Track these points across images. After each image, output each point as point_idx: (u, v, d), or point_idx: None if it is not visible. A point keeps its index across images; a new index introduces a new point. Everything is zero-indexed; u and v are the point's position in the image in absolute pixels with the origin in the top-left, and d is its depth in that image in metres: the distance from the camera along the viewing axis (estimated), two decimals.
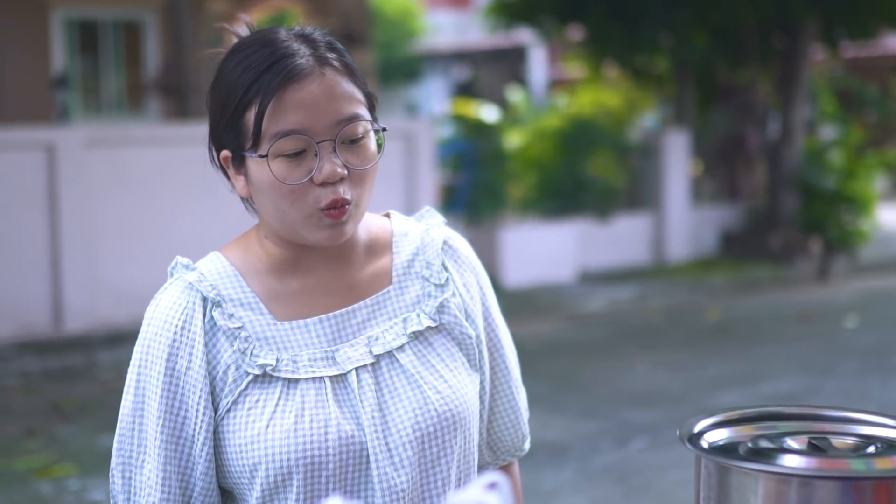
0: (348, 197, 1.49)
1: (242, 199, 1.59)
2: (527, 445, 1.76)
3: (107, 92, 13.95)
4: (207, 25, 14.05)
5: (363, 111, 1.52)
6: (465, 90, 21.73)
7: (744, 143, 13.83)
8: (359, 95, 1.52)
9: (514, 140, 12.90)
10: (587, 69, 14.39)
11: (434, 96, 26.31)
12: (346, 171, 1.49)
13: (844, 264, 12.43)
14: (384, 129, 1.57)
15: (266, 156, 1.47)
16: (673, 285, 11.24)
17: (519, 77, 24.31)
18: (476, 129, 12.15)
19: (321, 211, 1.49)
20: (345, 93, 1.50)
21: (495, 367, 1.69)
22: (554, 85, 23.12)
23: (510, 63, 25.31)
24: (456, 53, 26.86)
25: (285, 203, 1.49)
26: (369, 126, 1.52)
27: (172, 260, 1.60)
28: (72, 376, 7.71)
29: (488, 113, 12.97)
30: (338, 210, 1.49)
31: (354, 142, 1.50)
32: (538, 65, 24.41)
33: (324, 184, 1.48)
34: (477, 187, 11.50)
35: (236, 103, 1.49)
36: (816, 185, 12.86)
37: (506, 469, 1.75)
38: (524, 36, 18.37)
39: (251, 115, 1.48)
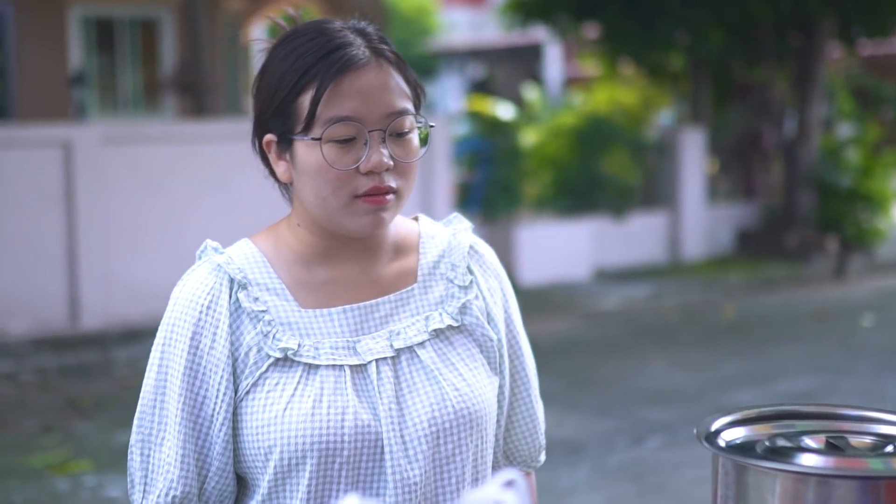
0: (392, 185, 1.52)
1: (280, 184, 1.61)
2: (542, 457, 1.76)
3: (123, 89, 14.00)
4: (223, 23, 14.10)
5: (411, 106, 1.55)
6: (481, 88, 21.70)
7: (760, 141, 13.78)
8: (407, 90, 1.56)
9: (529, 138, 12.87)
10: (603, 67, 14.35)
11: (449, 94, 26.30)
12: (391, 163, 1.52)
13: (861, 263, 12.38)
14: (431, 126, 1.60)
15: (319, 139, 1.50)
16: (688, 284, 11.22)
17: (534, 75, 24.29)
18: (491, 127, 12.14)
19: (358, 198, 1.52)
20: (397, 86, 1.54)
21: (515, 374, 1.70)
22: (569, 83, 23.08)
23: (526, 61, 25.28)
24: (471, 51, 26.85)
25: (328, 189, 1.52)
26: (416, 121, 1.55)
27: (188, 257, 1.62)
28: (88, 373, 7.73)
29: (504, 111, 12.96)
30: (378, 197, 1.52)
31: (401, 135, 1.54)
32: (553, 62, 24.37)
33: (369, 173, 1.51)
34: (492, 185, 11.48)
35: (290, 88, 1.52)
36: (833, 184, 12.80)
37: None
38: (540, 33, 18.34)
39: (305, 100, 1.51)
